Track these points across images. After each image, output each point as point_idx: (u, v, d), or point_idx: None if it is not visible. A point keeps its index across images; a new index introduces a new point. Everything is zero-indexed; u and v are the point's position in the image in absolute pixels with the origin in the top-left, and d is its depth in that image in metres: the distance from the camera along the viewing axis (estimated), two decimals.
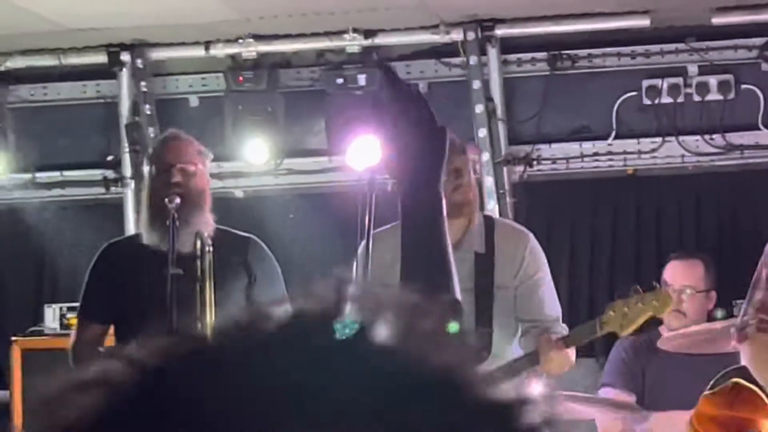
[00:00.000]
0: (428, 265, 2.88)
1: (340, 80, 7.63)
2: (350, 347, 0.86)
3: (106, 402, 0.85)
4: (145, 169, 5.80)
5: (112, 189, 8.09)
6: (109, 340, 5.63)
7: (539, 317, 5.59)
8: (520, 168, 7.95)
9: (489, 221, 5.69)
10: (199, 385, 0.85)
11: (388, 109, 3.36)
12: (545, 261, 5.64)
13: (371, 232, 4.57)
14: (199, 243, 5.25)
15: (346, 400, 0.83)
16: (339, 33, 7.67)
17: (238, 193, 7.95)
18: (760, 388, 5.16)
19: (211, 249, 5.26)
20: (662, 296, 5.71)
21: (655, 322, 6.41)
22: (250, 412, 0.83)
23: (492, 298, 5.52)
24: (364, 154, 6.43)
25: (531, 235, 5.64)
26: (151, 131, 7.81)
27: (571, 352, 5.57)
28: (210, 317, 5.27)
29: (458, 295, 3.11)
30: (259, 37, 7.66)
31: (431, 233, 2.82)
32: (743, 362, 5.18)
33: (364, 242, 4.71)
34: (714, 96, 7.72)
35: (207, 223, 5.42)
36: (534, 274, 5.62)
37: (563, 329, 5.62)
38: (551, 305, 5.66)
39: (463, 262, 5.22)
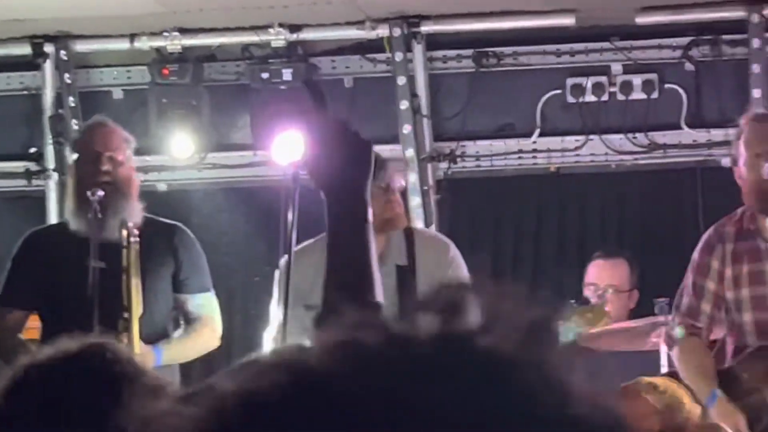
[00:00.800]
0: (353, 271, 2.94)
1: (265, 75, 7.64)
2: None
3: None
4: (71, 156, 5.90)
5: (35, 181, 8.06)
6: (31, 332, 5.66)
7: None
8: (444, 165, 7.95)
9: (409, 233, 5.74)
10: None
11: (314, 120, 3.52)
12: (465, 268, 5.68)
13: (293, 237, 4.78)
14: (124, 232, 5.25)
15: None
16: (264, 27, 7.65)
17: (162, 187, 7.91)
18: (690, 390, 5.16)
19: (137, 237, 5.26)
20: (596, 309, 5.98)
21: None
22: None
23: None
24: (289, 148, 6.53)
25: (452, 244, 5.71)
26: (74, 123, 7.76)
27: None
28: (136, 305, 5.28)
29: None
30: (184, 31, 7.64)
31: (357, 242, 2.85)
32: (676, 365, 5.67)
33: (286, 257, 4.97)
34: (638, 95, 7.77)
35: (134, 211, 5.51)
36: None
37: None
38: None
39: (387, 276, 5.16)
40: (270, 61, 7.70)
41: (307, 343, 1.41)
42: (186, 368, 5.58)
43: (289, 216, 4.84)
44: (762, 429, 5.25)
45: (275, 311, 5.70)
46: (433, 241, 5.89)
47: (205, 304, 5.74)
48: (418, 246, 5.67)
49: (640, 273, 7.12)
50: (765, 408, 5.33)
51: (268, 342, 5.89)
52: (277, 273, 5.49)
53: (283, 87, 7.65)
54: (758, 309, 5.57)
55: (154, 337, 5.40)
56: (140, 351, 5.14)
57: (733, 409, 5.42)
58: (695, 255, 5.76)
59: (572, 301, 6.10)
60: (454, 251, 5.70)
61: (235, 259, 7.62)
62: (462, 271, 5.65)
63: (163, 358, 5.27)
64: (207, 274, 5.76)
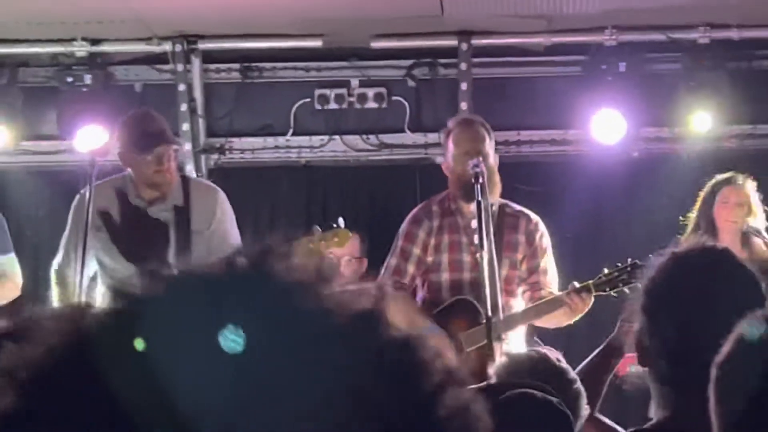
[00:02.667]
0: None
1: (70, 79, 8.18)
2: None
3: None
4: None
5: None
6: None
7: None
8: (215, 156, 8.65)
9: (185, 180, 6.32)
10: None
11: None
12: (233, 215, 6.25)
13: (92, 194, 5.81)
14: None
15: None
16: (70, 40, 8.19)
17: None
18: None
19: None
20: (341, 234, 6.23)
21: None
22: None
23: (190, 240, 6.10)
24: (89, 139, 7.70)
25: (220, 191, 6.28)
26: None
27: None
28: None
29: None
30: (2, 41, 8.12)
31: None
32: None
33: (78, 198, 6.01)
34: (371, 104, 8.54)
35: None
36: (224, 224, 6.24)
37: None
38: None
39: (167, 212, 6.10)
40: (74, 67, 8.24)
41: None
42: None
43: (87, 191, 5.90)
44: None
45: (64, 242, 6.27)
46: (206, 188, 6.44)
47: (6, 263, 6.28)
48: (193, 191, 6.23)
49: (369, 246, 7.60)
50: (460, 349, 5.95)
51: (53, 273, 6.28)
52: (73, 205, 6.17)
53: (84, 89, 8.22)
54: (454, 270, 6.24)
55: None
56: None
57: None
58: (405, 225, 6.40)
59: (317, 226, 6.26)
60: (224, 197, 6.25)
61: (43, 230, 8.01)
62: (229, 215, 6.26)
63: None
64: (8, 239, 6.33)
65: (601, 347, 4.65)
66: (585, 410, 3.71)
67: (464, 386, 0.91)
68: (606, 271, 6.02)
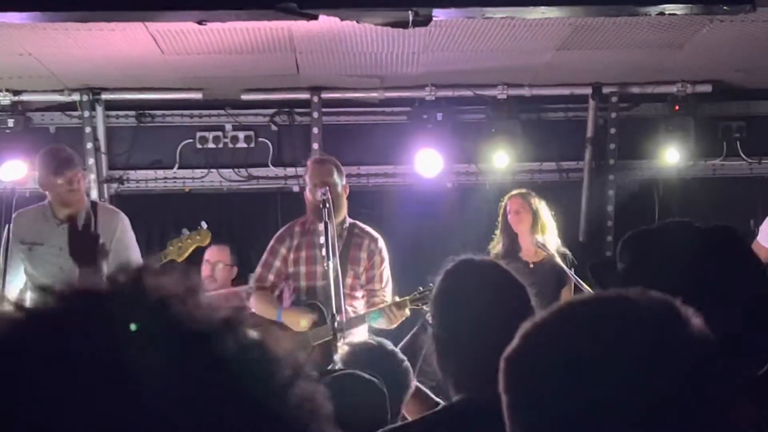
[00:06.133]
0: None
1: None
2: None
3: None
4: None
5: None
6: None
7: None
8: (115, 185, 8.95)
9: (93, 204, 6.55)
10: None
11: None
12: (132, 234, 6.47)
13: (12, 218, 6.06)
14: None
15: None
16: None
17: None
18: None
19: None
20: (203, 233, 6.59)
21: None
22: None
23: (95, 256, 5.41)
24: (11, 172, 7.98)
25: (121, 213, 6.48)
26: None
27: None
28: None
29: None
30: None
31: None
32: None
33: (8, 226, 6.21)
34: (242, 144, 9.02)
35: None
36: (119, 236, 6.31)
37: None
38: (138, 261, 6.10)
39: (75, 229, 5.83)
40: None
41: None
42: None
43: (10, 220, 6.23)
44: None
45: None
46: (109, 210, 6.64)
47: None
48: (99, 212, 6.44)
49: (238, 257, 8.24)
50: (307, 345, 6.11)
51: None
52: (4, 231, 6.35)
53: (8, 131, 8.60)
54: (309, 279, 6.53)
55: None
56: None
57: (294, 312, 6.40)
58: (272, 242, 6.66)
59: (185, 229, 6.60)
60: (123, 218, 6.46)
61: None
62: (129, 234, 6.45)
63: None
64: None
65: (410, 333, 5.25)
66: (413, 382, 3.88)
67: (310, 379, 0.95)
68: (420, 288, 6.32)
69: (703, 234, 2.59)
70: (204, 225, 6.63)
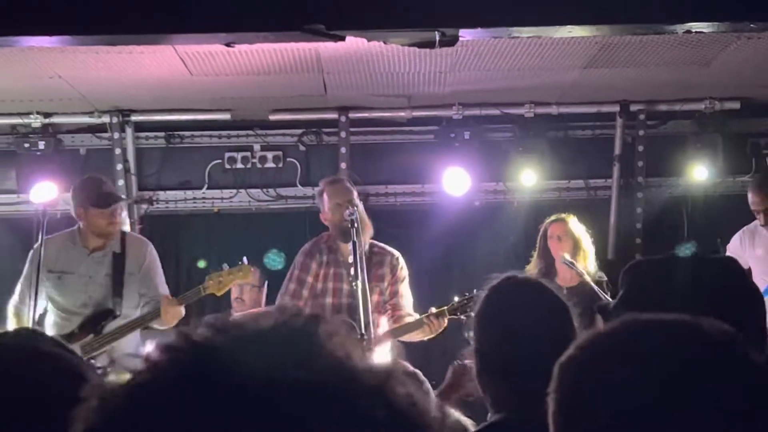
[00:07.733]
0: None
1: (27, 144, 8.64)
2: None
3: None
4: None
5: None
6: None
7: (155, 293, 6.40)
8: (145, 206, 8.99)
9: (123, 233, 6.61)
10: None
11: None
12: (158, 261, 6.51)
13: (43, 239, 6.06)
14: None
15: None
16: (27, 113, 8.65)
17: None
18: None
19: None
20: (244, 269, 6.45)
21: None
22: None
23: (123, 279, 6.34)
24: (42, 193, 7.99)
25: (150, 243, 6.61)
26: None
27: (181, 308, 6.11)
28: None
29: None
30: None
31: None
32: None
33: (36, 245, 6.21)
34: (270, 164, 9.03)
35: None
36: (147, 265, 6.43)
37: (181, 298, 6.25)
38: (163, 287, 6.50)
39: (106, 257, 6.42)
40: (30, 136, 8.64)
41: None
42: None
43: (40, 236, 6.25)
44: None
45: (20, 283, 6.43)
46: (139, 240, 6.75)
47: None
48: (128, 241, 6.55)
49: (267, 277, 8.06)
50: None
51: (10, 308, 6.38)
52: (30, 253, 6.44)
53: (38, 153, 8.65)
54: (335, 296, 6.58)
55: None
56: None
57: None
58: (300, 257, 6.67)
59: (225, 264, 6.49)
60: (151, 247, 6.57)
61: (5, 269, 7.93)
62: (153, 258, 6.49)
63: None
64: None
65: (442, 385, 5.02)
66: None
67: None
68: (456, 299, 6.40)
69: (705, 266, 2.60)
70: (245, 260, 6.53)
